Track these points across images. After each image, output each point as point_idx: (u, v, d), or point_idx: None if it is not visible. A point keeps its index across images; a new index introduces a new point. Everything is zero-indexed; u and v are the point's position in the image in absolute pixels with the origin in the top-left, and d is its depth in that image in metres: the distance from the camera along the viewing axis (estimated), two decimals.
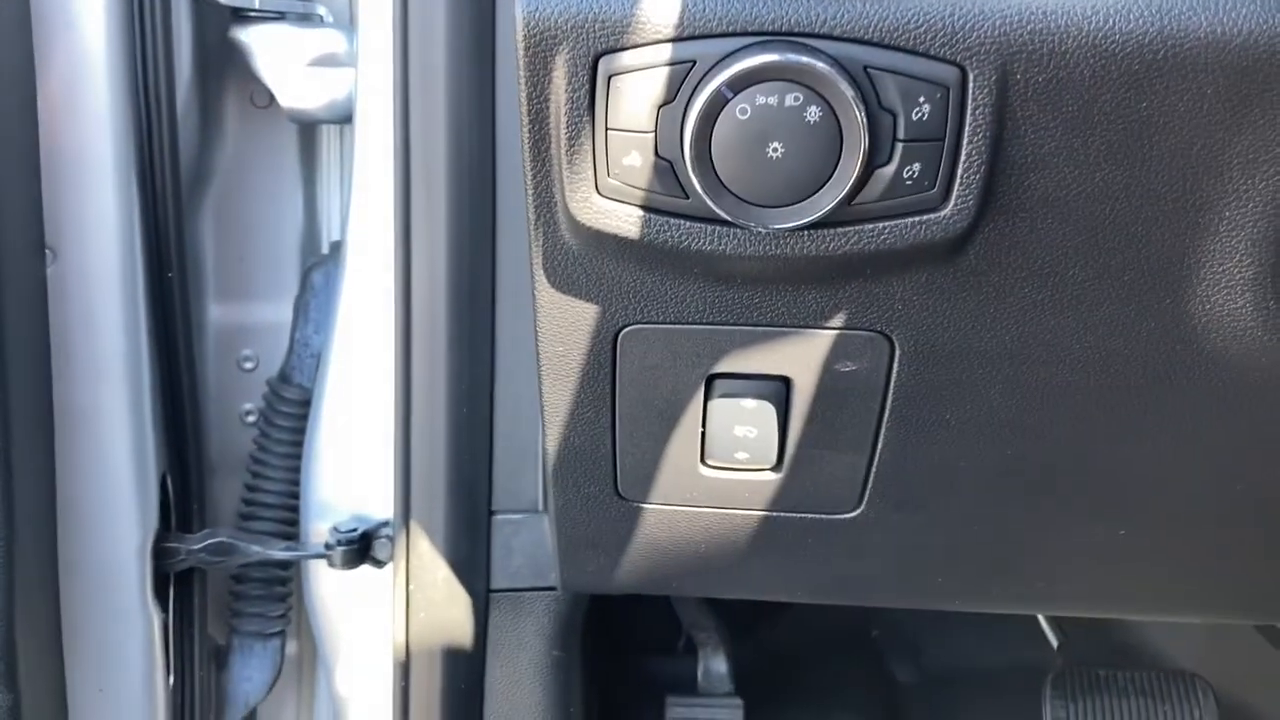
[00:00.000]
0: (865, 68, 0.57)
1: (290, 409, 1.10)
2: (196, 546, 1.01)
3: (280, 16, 1.01)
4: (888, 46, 0.57)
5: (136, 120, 0.89)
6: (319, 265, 1.10)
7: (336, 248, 1.11)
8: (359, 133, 0.98)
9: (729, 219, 0.60)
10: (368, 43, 0.96)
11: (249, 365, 1.15)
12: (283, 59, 1.00)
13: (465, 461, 0.97)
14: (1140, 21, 0.57)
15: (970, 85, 0.58)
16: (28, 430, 0.89)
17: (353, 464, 1.06)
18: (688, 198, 0.60)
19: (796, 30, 0.57)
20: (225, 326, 1.14)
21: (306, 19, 1.03)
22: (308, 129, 1.13)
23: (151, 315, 0.94)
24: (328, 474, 1.06)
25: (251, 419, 1.16)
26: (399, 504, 0.98)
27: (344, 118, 1.03)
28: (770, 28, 0.57)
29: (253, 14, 1.00)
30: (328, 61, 1.01)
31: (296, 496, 1.09)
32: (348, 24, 1.05)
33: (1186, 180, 0.61)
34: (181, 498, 1.03)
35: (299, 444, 1.09)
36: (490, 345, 0.95)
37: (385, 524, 1.05)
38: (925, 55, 0.57)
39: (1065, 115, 0.59)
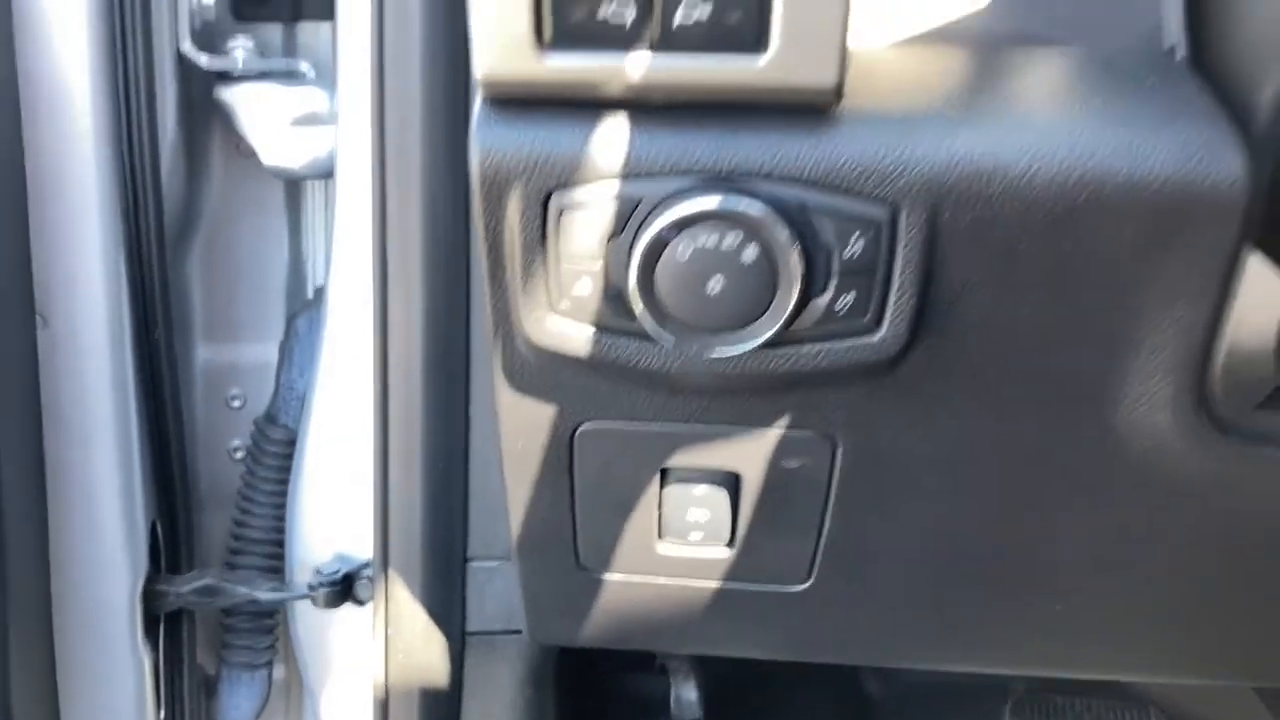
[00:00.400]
0: (801, 206, 0.61)
1: (276, 449, 1.14)
2: (185, 589, 1.06)
3: (264, 75, 1.04)
4: (823, 187, 0.60)
5: (122, 188, 0.92)
6: (303, 312, 1.14)
7: (320, 293, 1.15)
8: (340, 189, 1.01)
9: (672, 346, 0.63)
10: (346, 102, 0.99)
11: (237, 404, 1.19)
12: (265, 118, 1.03)
13: (441, 511, 1.01)
14: (1063, 167, 0.60)
15: (901, 223, 0.61)
16: (20, 487, 0.93)
17: (335, 505, 1.10)
18: (635, 321, 0.64)
19: (737, 171, 0.60)
20: (213, 367, 1.18)
21: (290, 75, 1.06)
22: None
23: (139, 372, 0.98)
24: (311, 514, 1.10)
25: (240, 455, 1.20)
26: (378, 551, 1.02)
27: (326, 173, 1.06)
28: (712, 170, 0.60)
29: (237, 74, 1.03)
30: (310, 120, 1.04)
31: (282, 533, 1.13)
32: (331, 77, 1.08)
33: (1108, 309, 0.64)
34: (170, 540, 1.07)
35: (284, 483, 1.13)
36: (465, 398, 0.99)
37: (366, 565, 1.09)
38: (859, 195, 0.60)
39: (992, 250, 0.62)
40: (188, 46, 0.98)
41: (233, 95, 1.02)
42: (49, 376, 0.93)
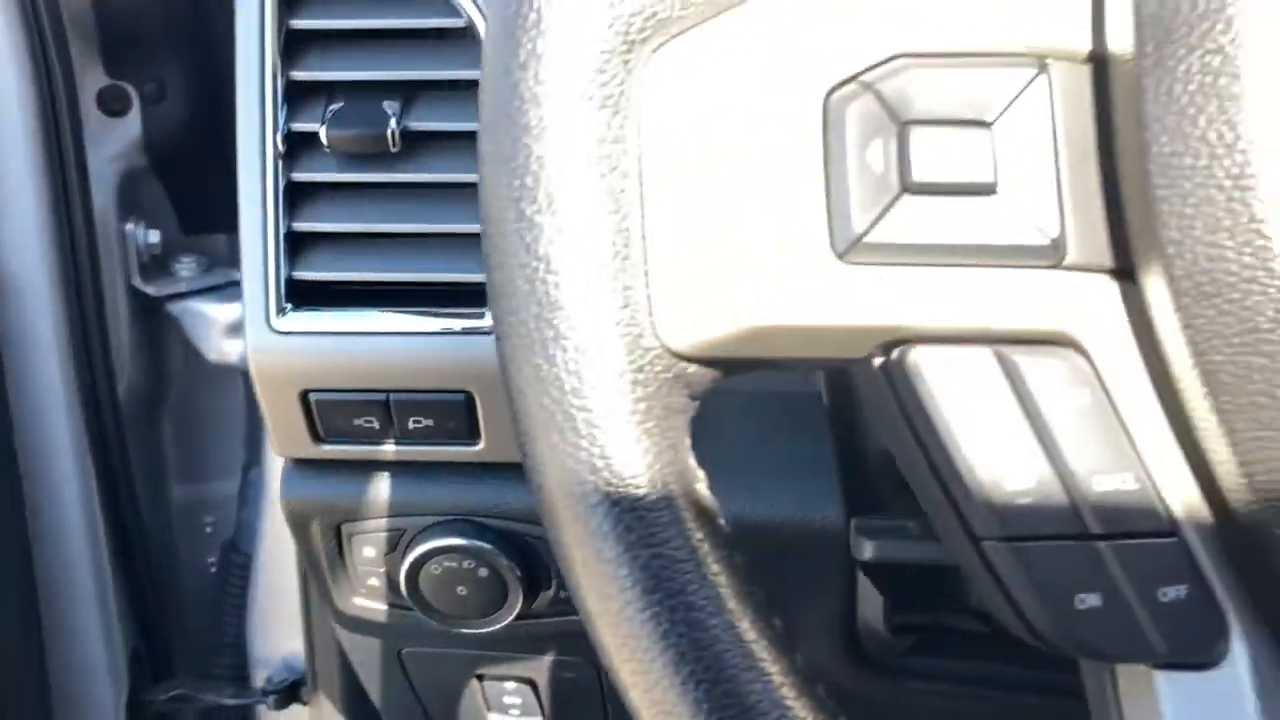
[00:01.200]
0: (519, 535, 0.82)
1: (239, 571, 1.39)
2: (163, 697, 1.32)
3: (206, 290, 1.27)
4: (534, 522, 0.82)
5: (91, 422, 1.17)
6: (254, 463, 1.38)
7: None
8: None
9: (440, 626, 0.86)
10: None
11: (209, 529, 1.44)
12: (204, 328, 1.26)
13: None
14: None
15: None
16: (16, 642, 1.19)
17: (282, 622, 1.35)
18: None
19: (474, 514, 0.82)
20: (187, 500, 1.42)
21: (230, 285, 1.28)
22: None
23: (115, 554, 1.23)
24: (262, 629, 1.35)
25: (215, 570, 1.45)
26: (309, 670, 1.27)
27: None
28: (454, 511, 0.82)
29: (183, 292, 1.26)
30: (240, 328, 1.26)
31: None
32: None
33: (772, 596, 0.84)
34: (151, 655, 1.34)
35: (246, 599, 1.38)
36: None
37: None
38: None
39: None
40: (137, 281, 1.21)
41: (178, 310, 1.25)
42: (40, 560, 1.19)
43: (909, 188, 0.39)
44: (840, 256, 0.39)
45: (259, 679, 1.36)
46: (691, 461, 0.41)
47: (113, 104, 1.17)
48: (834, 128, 0.39)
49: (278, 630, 1.35)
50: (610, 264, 0.39)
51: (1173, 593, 0.41)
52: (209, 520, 1.44)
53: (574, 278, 0.38)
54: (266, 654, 1.36)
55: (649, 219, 0.39)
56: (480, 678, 0.98)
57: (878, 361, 0.41)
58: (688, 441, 0.41)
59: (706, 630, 0.39)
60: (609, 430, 0.38)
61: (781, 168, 0.39)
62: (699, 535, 0.39)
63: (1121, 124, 0.40)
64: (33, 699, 1.23)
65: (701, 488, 0.41)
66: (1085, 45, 0.41)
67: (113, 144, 1.18)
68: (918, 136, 0.39)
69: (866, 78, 0.39)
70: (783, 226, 0.39)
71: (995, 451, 0.40)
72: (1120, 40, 0.40)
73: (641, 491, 0.39)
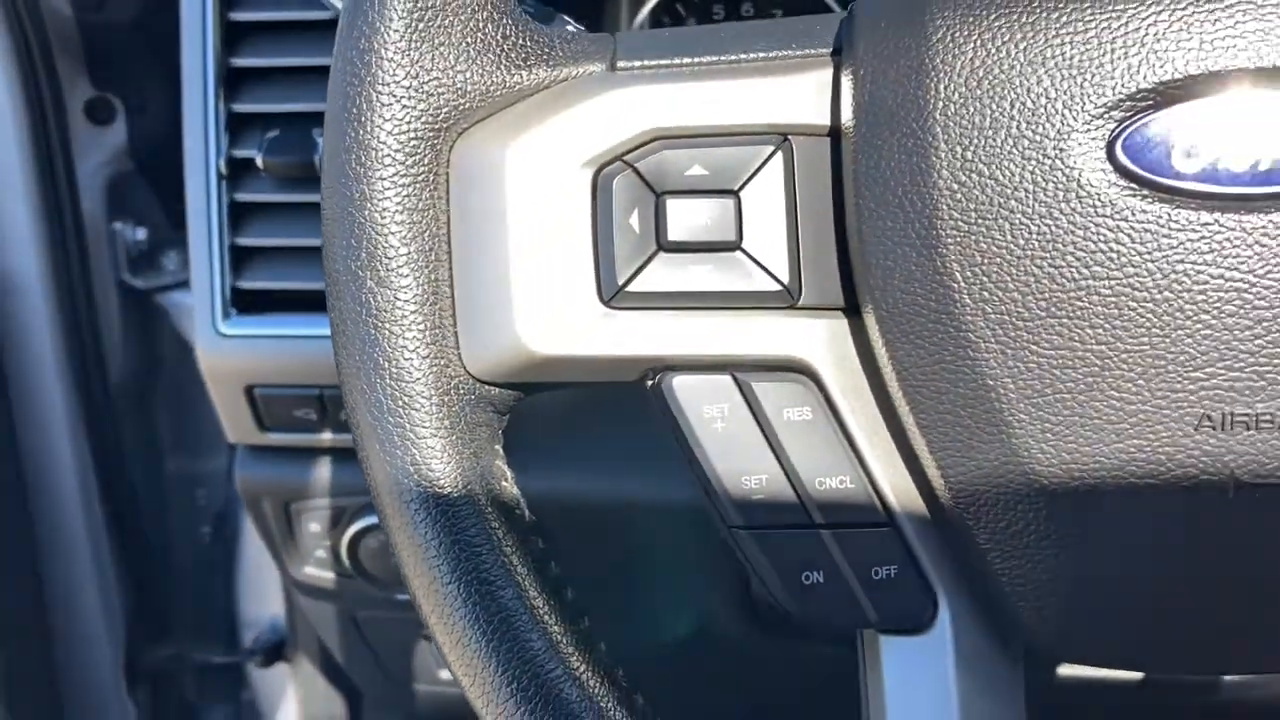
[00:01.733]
0: None
1: (228, 541, 1.51)
2: (158, 656, 1.44)
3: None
4: None
5: (85, 406, 1.28)
6: None
7: None
8: None
9: (382, 593, 0.96)
10: None
11: (202, 501, 1.55)
12: (191, 316, 1.36)
13: None
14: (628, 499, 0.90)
15: None
16: (20, 609, 1.31)
17: (268, 587, 1.46)
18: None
19: None
20: (181, 473, 1.54)
21: None
22: None
23: (108, 513, 1.34)
24: (250, 594, 1.47)
25: (209, 539, 1.57)
26: (290, 631, 1.39)
27: None
28: None
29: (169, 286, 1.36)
30: None
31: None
32: None
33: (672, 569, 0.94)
34: (147, 622, 1.45)
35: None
36: None
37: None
38: None
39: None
40: (126, 275, 1.32)
41: (167, 300, 1.36)
42: (41, 533, 1.30)
43: (664, 246, 0.49)
44: (606, 303, 0.49)
45: (247, 639, 1.47)
46: (498, 464, 0.51)
47: (99, 113, 1.27)
48: (602, 199, 0.48)
49: (263, 595, 1.46)
50: (421, 310, 0.48)
51: (884, 571, 0.50)
52: (201, 493, 1.55)
53: (390, 321, 0.48)
54: (253, 616, 1.48)
55: (456, 272, 0.49)
56: (429, 638, 1.09)
57: (648, 384, 0.50)
58: (496, 447, 0.51)
59: (496, 599, 0.48)
60: (419, 442, 0.48)
61: (560, 231, 0.49)
62: (495, 524, 0.49)
63: (847, 189, 0.49)
64: (37, 661, 1.35)
65: (504, 485, 0.51)
66: (826, 121, 0.50)
67: (100, 150, 1.28)
68: (673, 205, 0.49)
69: (629, 157, 0.49)
70: (560, 278, 0.49)
71: (734, 457, 0.49)
72: (848, 119, 0.49)
73: (446, 490, 0.48)
